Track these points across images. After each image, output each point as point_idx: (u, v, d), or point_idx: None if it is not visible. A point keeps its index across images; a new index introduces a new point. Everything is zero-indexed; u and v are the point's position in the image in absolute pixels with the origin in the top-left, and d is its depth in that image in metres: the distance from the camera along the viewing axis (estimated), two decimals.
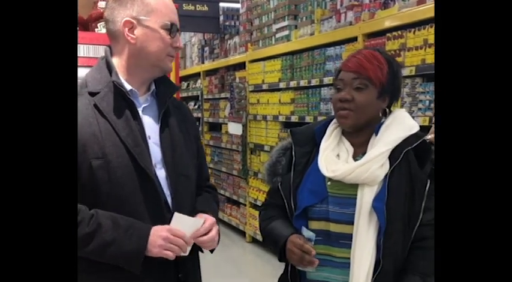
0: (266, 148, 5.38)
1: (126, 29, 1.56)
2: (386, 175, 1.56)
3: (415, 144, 1.57)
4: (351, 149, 1.65)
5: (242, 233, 5.91)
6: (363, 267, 1.53)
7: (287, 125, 5.12)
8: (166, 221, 1.57)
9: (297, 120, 4.74)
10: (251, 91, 5.70)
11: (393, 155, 1.57)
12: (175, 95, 1.77)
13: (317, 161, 1.66)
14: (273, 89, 5.24)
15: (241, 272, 4.77)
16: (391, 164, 1.57)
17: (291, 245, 1.60)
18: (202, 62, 7.55)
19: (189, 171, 1.66)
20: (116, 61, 1.61)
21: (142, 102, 1.63)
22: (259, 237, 5.60)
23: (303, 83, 4.64)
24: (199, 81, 7.46)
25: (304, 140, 1.73)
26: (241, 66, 6.10)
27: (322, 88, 4.37)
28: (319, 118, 4.31)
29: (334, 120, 1.72)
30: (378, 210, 1.52)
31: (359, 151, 1.64)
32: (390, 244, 1.53)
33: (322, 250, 1.62)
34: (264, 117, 5.41)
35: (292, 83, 4.82)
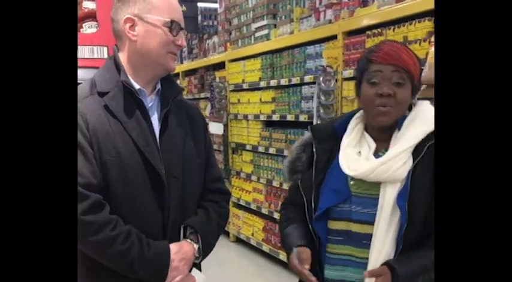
0: (248, 147, 5.39)
1: (127, 26, 1.57)
2: (409, 171, 1.50)
3: None
4: (373, 145, 1.59)
5: (226, 233, 5.92)
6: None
7: (268, 123, 5.14)
8: (173, 221, 1.64)
9: (278, 119, 4.76)
10: (231, 90, 5.70)
11: (416, 150, 1.51)
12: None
13: (338, 158, 1.61)
14: (254, 88, 5.25)
15: (226, 272, 4.77)
16: (415, 160, 1.51)
17: (291, 263, 1.60)
18: (181, 62, 7.52)
19: (180, 173, 1.65)
20: (121, 60, 1.62)
21: (149, 102, 1.64)
22: (243, 237, 5.62)
23: (283, 81, 4.65)
24: (178, 81, 7.43)
25: (324, 137, 1.68)
26: (220, 65, 6.10)
27: (303, 86, 4.38)
28: (301, 116, 4.35)
29: (356, 116, 1.67)
30: (402, 207, 1.47)
31: (381, 147, 1.58)
32: (408, 241, 1.48)
33: (343, 250, 1.60)
34: (245, 117, 5.41)
35: (273, 82, 4.84)
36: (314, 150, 1.67)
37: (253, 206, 5.37)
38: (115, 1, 1.63)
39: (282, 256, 4.75)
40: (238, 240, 5.83)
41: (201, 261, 1.72)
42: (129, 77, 1.60)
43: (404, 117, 1.57)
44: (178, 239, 1.66)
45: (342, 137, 1.65)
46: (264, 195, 5.13)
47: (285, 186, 4.66)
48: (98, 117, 1.53)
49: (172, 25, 1.58)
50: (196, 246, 1.67)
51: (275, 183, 4.86)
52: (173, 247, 1.61)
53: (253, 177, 5.33)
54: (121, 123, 1.55)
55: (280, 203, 4.78)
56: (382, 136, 1.60)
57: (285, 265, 4.76)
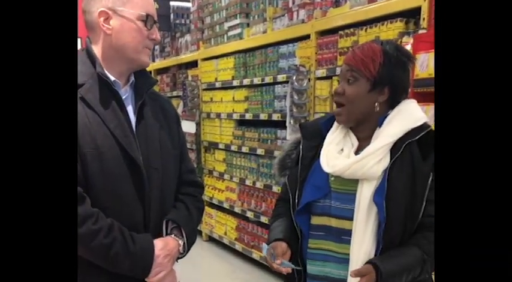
0: (220, 146, 5.39)
1: (102, 20, 1.55)
2: (386, 169, 1.53)
3: (418, 136, 1.53)
4: (356, 143, 1.62)
5: (198, 232, 5.88)
6: (361, 264, 1.51)
7: (241, 122, 5.15)
8: (154, 212, 1.64)
9: (251, 118, 4.77)
10: (204, 89, 5.69)
11: (395, 148, 1.54)
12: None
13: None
14: (227, 86, 5.25)
15: (198, 271, 4.75)
16: (392, 157, 1.53)
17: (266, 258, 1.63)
18: (153, 60, 7.47)
19: (159, 164, 1.65)
20: (95, 52, 1.60)
21: (124, 94, 1.63)
22: (215, 236, 5.62)
23: (256, 80, 4.66)
24: None
25: (312, 134, 1.72)
26: (193, 64, 6.07)
27: (276, 85, 4.40)
28: (274, 115, 4.36)
29: None
30: (379, 204, 1.50)
31: (364, 144, 1.60)
32: (389, 238, 1.51)
33: (323, 245, 1.63)
34: (218, 115, 5.41)
35: (246, 81, 4.84)
36: (301, 147, 1.71)
37: (226, 205, 5.37)
38: None
39: (255, 255, 4.77)
40: (211, 239, 5.82)
41: (183, 256, 1.73)
42: (104, 69, 1.59)
43: (386, 116, 1.60)
44: (158, 232, 1.66)
45: (326, 134, 1.69)
46: (237, 194, 5.14)
47: (258, 185, 4.68)
48: None
49: (147, 19, 1.57)
50: (181, 242, 1.68)
51: (248, 182, 4.87)
52: (159, 243, 1.61)
53: (226, 176, 5.32)
54: (98, 114, 1.54)
55: (253, 201, 4.81)
56: (364, 134, 1.63)
57: (258, 264, 4.78)
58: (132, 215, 1.59)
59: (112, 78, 1.58)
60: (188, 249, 1.72)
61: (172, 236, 1.67)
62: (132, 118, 1.62)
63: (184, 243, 1.68)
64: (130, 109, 1.63)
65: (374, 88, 1.57)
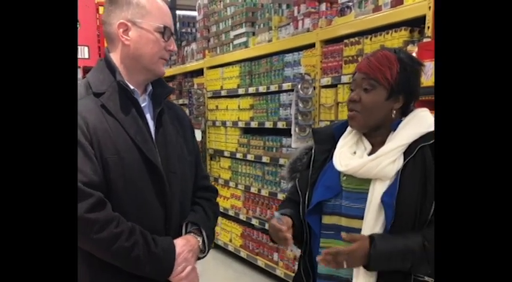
0: (226, 154, 5.41)
1: (121, 31, 1.60)
2: (399, 170, 1.56)
3: (432, 141, 1.55)
4: (369, 147, 1.66)
5: None
6: None
7: (246, 130, 5.17)
8: (175, 216, 1.68)
9: (256, 126, 4.80)
10: (210, 97, 5.72)
11: (409, 150, 1.58)
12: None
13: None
14: (232, 95, 5.28)
15: (203, 278, 4.76)
16: (405, 159, 1.57)
17: (270, 224, 1.66)
18: None
19: (177, 168, 1.69)
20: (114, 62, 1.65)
21: (142, 102, 1.67)
22: (220, 243, 5.62)
23: (261, 89, 4.69)
24: None
25: (324, 138, 1.76)
26: (198, 72, 6.11)
27: (281, 94, 4.43)
28: (279, 123, 4.39)
29: None
30: (386, 204, 1.53)
31: (377, 149, 1.63)
32: None
33: (334, 244, 1.64)
34: (223, 123, 5.44)
35: (251, 89, 4.88)
36: (313, 150, 1.76)
37: (231, 213, 5.38)
38: (106, 4, 1.66)
39: (260, 262, 4.77)
40: (216, 246, 5.81)
41: (204, 256, 1.77)
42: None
43: (400, 121, 1.64)
44: (179, 235, 1.70)
45: (339, 138, 1.73)
46: (242, 202, 5.16)
47: (263, 192, 4.69)
48: (96, 116, 1.56)
49: (164, 31, 1.62)
50: (200, 239, 1.72)
51: (253, 190, 4.89)
52: (180, 241, 1.66)
53: (231, 184, 5.35)
54: (118, 121, 1.59)
55: (258, 209, 4.83)
56: (377, 139, 1.66)
57: (263, 271, 4.79)
58: (153, 219, 1.63)
59: (131, 86, 1.63)
60: (208, 250, 1.76)
61: (192, 234, 1.71)
62: (151, 125, 1.67)
63: (203, 240, 1.72)
64: (148, 117, 1.68)
65: (391, 96, 1.61)
